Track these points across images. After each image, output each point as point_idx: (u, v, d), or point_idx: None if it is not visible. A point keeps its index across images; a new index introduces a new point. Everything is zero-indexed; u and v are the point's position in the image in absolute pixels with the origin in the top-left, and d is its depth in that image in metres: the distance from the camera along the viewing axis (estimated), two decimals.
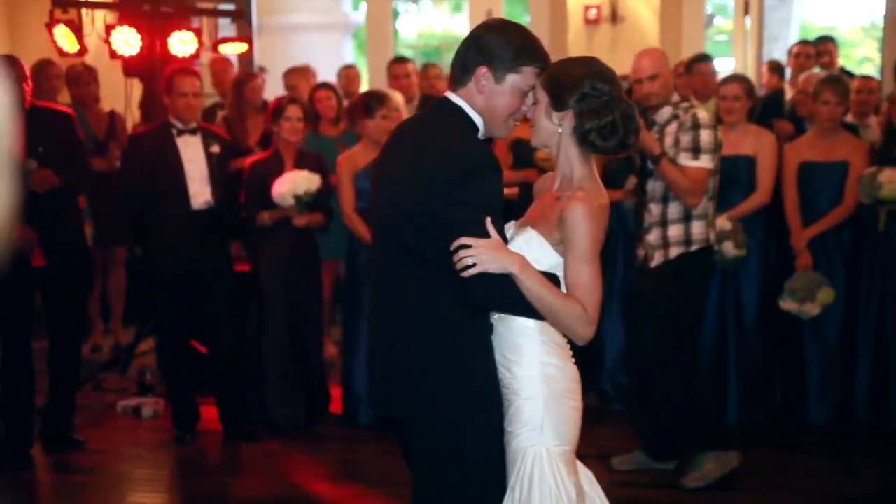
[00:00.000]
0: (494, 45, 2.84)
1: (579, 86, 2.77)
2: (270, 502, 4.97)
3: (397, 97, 6.58)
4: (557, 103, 2.80)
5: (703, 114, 4.95)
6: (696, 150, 4.85)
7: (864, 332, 5.73)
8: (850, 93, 5.92)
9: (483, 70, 2.84)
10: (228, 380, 5.90)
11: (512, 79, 2.84)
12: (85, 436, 5.83)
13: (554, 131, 2.82)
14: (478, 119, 2.88)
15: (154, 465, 5.63)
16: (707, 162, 4.86)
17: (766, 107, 7.34)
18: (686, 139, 4.86)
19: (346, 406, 6.06)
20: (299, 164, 5.91)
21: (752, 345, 5.88)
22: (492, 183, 2.74)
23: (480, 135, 2.89)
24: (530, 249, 2.77)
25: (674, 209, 4.92)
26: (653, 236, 4.96)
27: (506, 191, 6.45)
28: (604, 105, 2.76)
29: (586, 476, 2.89)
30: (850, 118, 6.31)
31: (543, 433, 2.76)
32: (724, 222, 5.67)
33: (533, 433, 2.76)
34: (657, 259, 4.95)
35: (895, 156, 5.63)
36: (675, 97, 5.06)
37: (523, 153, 6.34)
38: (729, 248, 5.64)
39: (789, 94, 7.77)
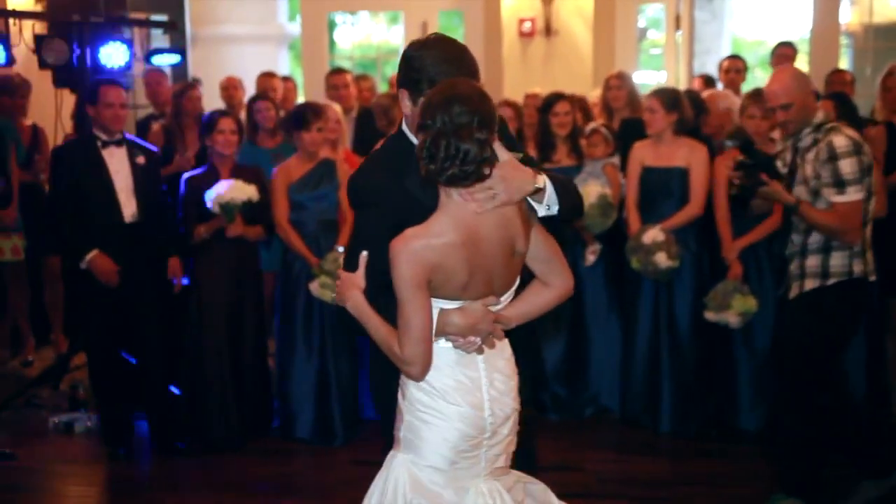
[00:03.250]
0: (410, 66, 2.92)
1: (422, 120, 2.74)
2: None
3: (335, 108, 6.59)
4: (419, 130, 2.77)
5: (842, 139, 4.54)
6: (839, 184, 4.52)
7: None
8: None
9: (402, 92, 2.93)
10: (157, 395, 5.83)
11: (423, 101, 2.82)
12: (16, 452, 5.72)
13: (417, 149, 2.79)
14: (415, 140, 2.87)
15: (87, 481, 5.55)
16: (855, 193, 4.51)
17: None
18: (826, 173, 4.54)
19: (283, 419, 6.02)
20: (236, 178, 5.87)
21: (685, 355, 5.96)
22: (367, 217, 2.89)
23: None
24: None
25: (815, 239, 4.67)
26: (793, 266, 4.77)
27: None
28: (432, 141, 2.70)
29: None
30: (775, 134, 6.42)
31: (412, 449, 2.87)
32: (656, 234, 5.75)
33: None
34: (794, 291, 4.75)
35: None
36: (819, 116, 4.70)
37: None
38: (662, 260, 5.72)
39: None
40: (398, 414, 2.92)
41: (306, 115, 5.92)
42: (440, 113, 2.69)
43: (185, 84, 7.67)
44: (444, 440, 2.83)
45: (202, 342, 5.86)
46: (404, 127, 3.03)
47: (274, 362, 6.19)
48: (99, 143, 5.71)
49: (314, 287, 5.76)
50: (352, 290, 2.85)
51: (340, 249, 5.84)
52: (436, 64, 2.90)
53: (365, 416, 6.09)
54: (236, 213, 5.74)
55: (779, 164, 4.84)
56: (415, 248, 2.70)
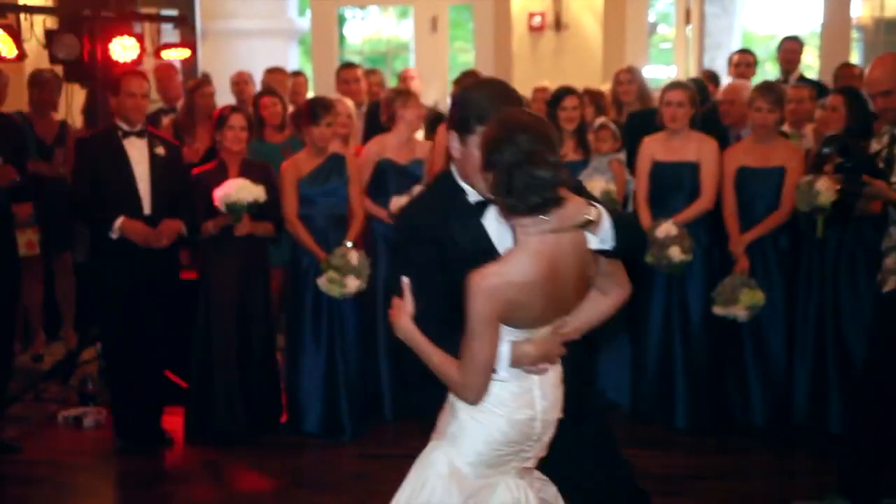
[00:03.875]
0: (459, 108, 2.93)
1: (489, 156, 2.69)
2: None
3: (347, 103, 6.59)
4: (487, 166, 2.73)
5: None
6: None
7: (803, 336, 5.82)
8: (784, 101, 6.02)
9: (451, 134, 2.94)
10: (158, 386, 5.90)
11: (472, 140, 2.86)
12: (26, 446, 5.75)
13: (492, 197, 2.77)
14: (463, 183, 2.94)
15: (96, 475, 5.57)
16: None
17: (708, 114, 7.41)
18: None
19: (291, 413, 6.04)
20: (244, 174, 5.87)
21: (697, 349, 5.96)
22: (414, 252, 2.94)
23: (473, 197, 2.95)
24: None
25: None
26: (889, 259, 4.70)
27: None
28: (506, 174, 2.65)
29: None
30: (786, 127, 6.41)
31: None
32: (670, 228, 5.74)
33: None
34: (890, 285, 4.66)
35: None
36: None
37: None
38: (675, 254, 5.71)
39: None
40: (449, 410, 2.92)
41: (315, 110, 5.92)
42: (506, 145, 2.66)
43: (198, 80, 7.69)
44: (489, 441, 2.85)
45: (211, 336, 5.86)
46: (452, 168, 3.04)
47: (283, 357, 6.20)
48: (120, 134, 5.74)
49: (322, 282, 5.77)
50: (401, 317, 2.87)
51: (349, 244, 5.85)
52: (482, 101, 2.90)
53: (374, 413, 6.12)
54: (243, 213, 5.74)
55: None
56: (494, 285, 2.69)
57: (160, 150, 5.81)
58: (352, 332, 5.96)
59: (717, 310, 5.70)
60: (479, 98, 2.91)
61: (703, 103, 6.54)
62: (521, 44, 11.12)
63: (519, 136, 2.66)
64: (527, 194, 2.64)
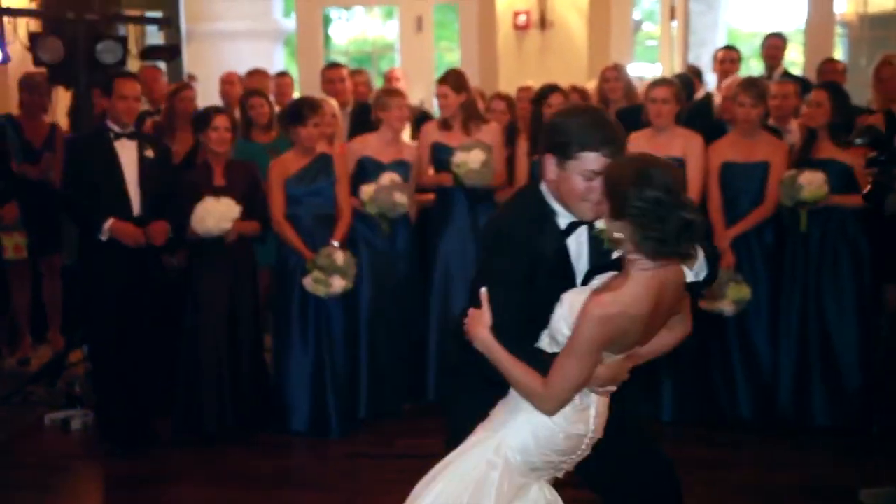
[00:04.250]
0: (559, 131, 2.97)
1: (627, 197, 2.70)
2: None
3: (332, 104, 6.59)
4: (614, 213, 2.76)
5: None
6: None
7: (787, 329, 5.85)
8: (768, 96, 6.05)
9: (549, 157, 2.98)
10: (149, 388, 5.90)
11: (573, 164, 2.93)
12: (13, 449, 5.73)
13: (617, 232, 2.78)
14: (554, 204, 3.03)
15: (84, 477, 5.56)
16: None
17: (694, 111, 7.44)
18: None
19: (279, 412, 6.04)
20: (228, 174, 5.92)
21: (684, 343, 5.95)
22: (502, 263, 2.98)
23: (567, 217, 3.02)
24: (568, 317, 2.85)
25: None
26: None
27: (421, 196, 6.54)
28: (654, 217, 2.68)
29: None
30: (771, 122, 6.43)
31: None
32: None
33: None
34: None
35: (814, 158, 5.76)
36: None
37: (442, 157, 6.38)
38: None
39: (718, 98, 7.90)
40: (507, 407, 2.97)
41: (302, 111, 5.94)
42: (645, 188, 2.67)
43: (178, 84, 7.67)
44: (540, 445, 2.91)
45: (199, 337, 5.85)
46: (543, 187, 3.08)
47: (270, 357, 6.20)
48: (111, 136, 5.74)
49: (307, 282, 5.77)
50: (479, 328, 2.90)
51: (336, 244, 5.86)
52: (584, 127, 2.94)
53: (361, 415, 6.13)
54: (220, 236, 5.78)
55: None
56: (610, 315, 2.73)
57: (149, 153, 5.82)
58: (338, 331, 5.96)
59: (704, 305, 5.72)
60: (581, 124, 2.95)
61: (689, 99, 6.56)
62: (507, 42, 11.14)
63: (655, 178, 2.69)
64: (680, 241, 2.69)
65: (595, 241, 3.07)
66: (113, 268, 5.65)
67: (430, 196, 6.58)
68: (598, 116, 3.00)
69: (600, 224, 2.97)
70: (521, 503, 2.92)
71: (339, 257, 5.79)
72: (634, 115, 6.34)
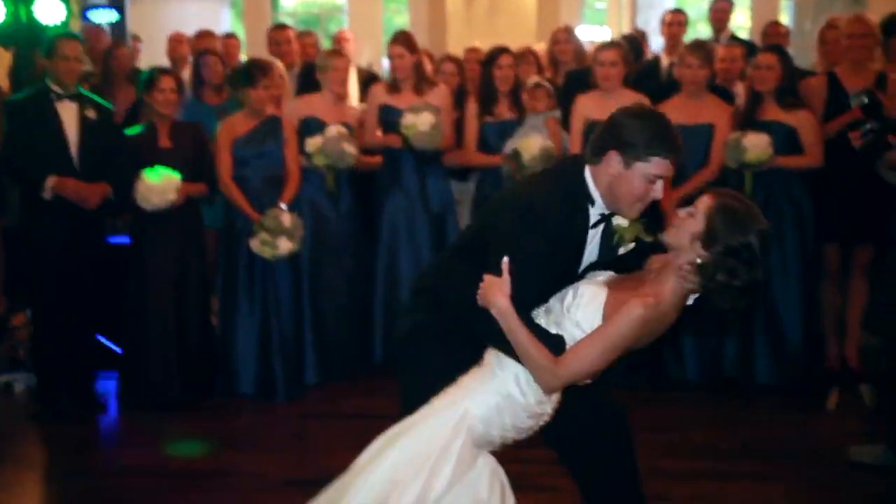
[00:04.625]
0: (628, 131, 2.97)
1: (719, 236, 2.78)
2: (148, 473, 4.89)
3: (277, 65, 6.53)
4: (706, 243, 2.80)
5: None
6: None
7: None
8: (714, 58, 6.09)
9: (614, 154, 2.98)
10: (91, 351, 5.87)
11: (640, 166, 2.95)
12: None
13: (690, 255, 2.82)
14: (596, 195, 3.04)
15: (28, 442, 5.49)
16: None
17: (643, 73, 7.46)
18: None
19: (226, 376, 6.01)
20: (174, 136, 5.86)
21: None
22: (531, 241, 2.96)
23: (599, 209, 3.05)
24: (584, 307, 2.90)
25: None
26: None
27: (370, 158, 6.50)
28: (731, 267, 2.77)
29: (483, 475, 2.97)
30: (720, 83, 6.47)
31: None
32: None
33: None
34: None
35: (759, 120, 5.81)
36: None
37: (390, 119, 6.35)
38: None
39: (665, 62, 7.93)
40: (482, 376, 3.00)
41: (253, 73, 5.90)
42: (739, 235, 2.76)
43: (113, 41, 7.55)
44: (503, 424, 2.96)
45: (146, 301, 5.80)
46: (588, 173, 3.06)
47: (217, 320, 6.17)
48: (52, 97, 5.65)
49: (254, 244, 5.75)
50: (499, 296, 2.87)
51: (283, 206, 5.82)
52: (655, 132, 2.97)
53: (308, 379, 6.13)
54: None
55: None
56: (651, 318, 2.81)
57: (91, 113, 5.73)
58: (285, 293, 5.95)
59: None
60: (652, 128, 2.98)
61: (638, 61, 6.58)
62: (456, 5, 11.10)
63: (755, 230, 2.77)
64: (736, 298, 2.79)
65: (607, 235, 3.13)
66: (55, 230, 5.58)
67: (377, 159, 6.54)
68: (665, 122, 3.04)
69: (619, 221, 3.07)
70: (472, 472, 2.95)
71: (287, 219, 5.76)
72: (584, 78, 6.36)
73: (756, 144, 5.65)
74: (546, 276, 2.99)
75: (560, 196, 3.04)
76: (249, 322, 5.93)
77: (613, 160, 2.98)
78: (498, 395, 2.94)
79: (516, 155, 5.99)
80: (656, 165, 2.95)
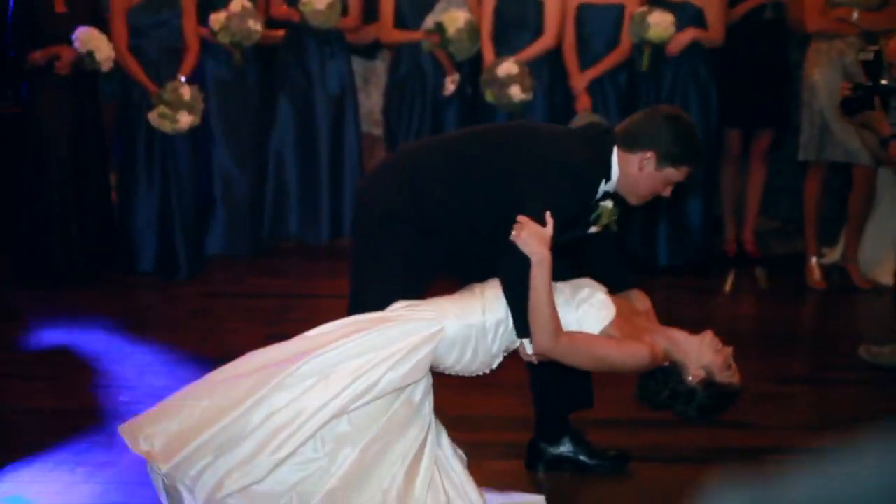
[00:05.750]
0: (671, 139, 3.07)
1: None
2: (47, 351, 4.80)
3: None
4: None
5: None
6: None
7: None
8: None
9: (651, 155, 3.06)
10: None
11: (670, 171, 3.09)
12: None
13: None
14: (615, 175, 3.11)
15: None
16: None
17: None
18: None
19: (126, 252, 5.90)
20: (69, 1, 5.62)
21: None
22: (565, 198, 3.04)
23: (610, 187, 3.13)
24: (593, 310, 3.01)
25: None
26: None
27: (274, 32, 6.28)
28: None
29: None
30: None
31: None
32: (510, 66, 5.72)
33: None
34: None
35: (668, 1, 5.77)
36: None
37: None
38: (516, 93, 5.71)
39: None
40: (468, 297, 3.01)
41: None
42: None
43: None
44: (462, 353, 2.95)
45: (43, 175, 5.62)
46: (615, 156, 3.10)
47: (115, 196, 6.01)
48: None
49: (153, 117, 5.60)
50: (542, 245, 2.89)
51: (182, 79, 5.66)
52: (692, 144, 3.12)
53: (209, 252, 6.06)
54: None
55: None
56: (657, 359, 3.02)
57: None
58: (185, 168, 5.82)
59: None
60: (691, 139, 3.11)
61: None
62: None
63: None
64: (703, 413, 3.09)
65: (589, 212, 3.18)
66: None
67: (281, 32, 6.35)
68: (696, 132, 3.19)
69: (607, 203, 3.15)
70: (420, 384, 2.92)
71: (186, 92, 5.60)
72: None
73: (658, 23, 5.64)
74: (557, 237, 3.01)
75: (593, 162, 3.11)
76: (148, 198, 5.82)
77: (648, 160, 3.07)
78: (469, 329, 2.94)
79: (440, 28, 5.87)
80: (682, 173, 3.11)
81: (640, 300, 3.31)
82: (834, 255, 6.08)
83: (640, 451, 3.62)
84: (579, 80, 5.84)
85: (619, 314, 3.03)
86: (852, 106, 4.75)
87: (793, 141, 6.05)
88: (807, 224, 5.85)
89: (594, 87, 5.88)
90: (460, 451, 3.05)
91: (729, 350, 3.05)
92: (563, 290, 3.03)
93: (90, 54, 5.52)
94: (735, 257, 6.26)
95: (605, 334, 2.98)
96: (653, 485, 3.48)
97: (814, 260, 5.84)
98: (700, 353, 3.02)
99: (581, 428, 3.54)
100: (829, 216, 6.13)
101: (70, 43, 5.52)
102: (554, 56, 5.97)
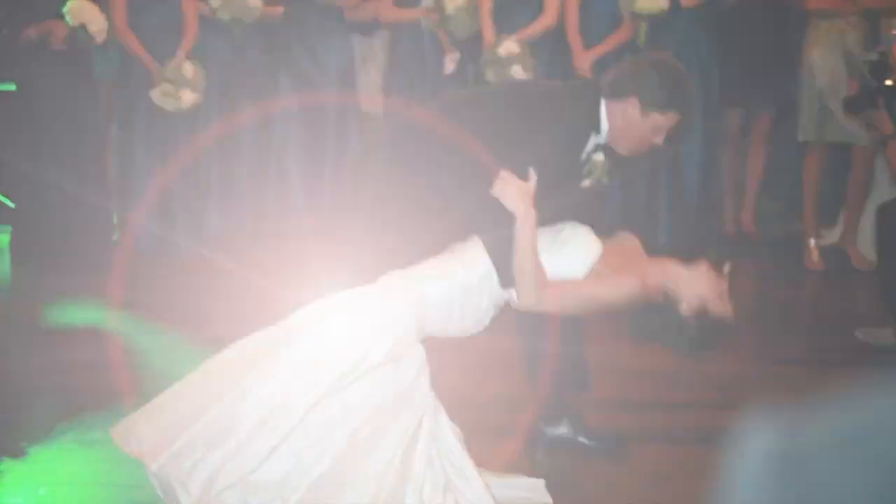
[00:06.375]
0: (654, 83, 3.06)
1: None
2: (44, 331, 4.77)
3: None
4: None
5: None
6: None
7: None
8: None
9: (633, 100, 3.05)
10: None
11: (656, 117, 3.06)
12: None
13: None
14: (604, 126, 3.09)
15: None
16: None
17: None
18: None
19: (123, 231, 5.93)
20: None
21: None
22: (554, 152, 3.04)
23: (601, 139, 3.10)
24: (578, 248, 3.00)
25: None
26: None
27: (274, 8, 6.24)
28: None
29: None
30: None
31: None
32: (512, 45, 5.70)
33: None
34: None
35: None
36: None
37: None
38: (518, 72, 5.70)
39: None
40: (458, 269, 2.97)
41: None
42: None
43: None
44: (450, 316, 2.93)
45: (37, 153, 5.59)
46: (604, 109, 3.10)
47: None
48: None
49: (156, 94, 5.61)
50: (525, 201, 2.88)
51: (183, 56, 5.66)
52: (679, 87, 3.10)
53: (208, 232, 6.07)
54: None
55: None
56: (640, 296, 2.98)
57: None
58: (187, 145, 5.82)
59: None
60: (676, 83, 3.10)
61: None
62: None
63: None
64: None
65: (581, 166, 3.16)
66: None
67: (280, 9, 6.32)
68: (686, 77, 3.18)
69: (598, 156, 3.13)
70: (407, 357, 2.90)
71: (188, 69, 5.59)
72: None
73: None
74: (548, 191, 3.01)
75: (582, 116, 3.11)
76: (147, 175, 5.82)
77: (632, 106, 3.06)
78: (456, 288, 2.93)
79: (439, 6, 5.84)
80: (670, 119, 3.07)
81: (629, 239, 3.27)
82: (833, 236, 6.09)
83: (639, 432, 3.64)
84: (583, 59, 5.82)
85: (607, 249, 3.02)
86: (856, 104, 4.77)
87: (793, 122, 6.05)
88: (805, 205, 5.86)
89: (597, 67, 5.86)
90: (459, 432, 3.02)
91: (724, 281, 3.04)
92: (542, 235, 2.99)
93: (83, 27, 5.50)
94: (733, 238, 6.26)
95: (595, 271, 2.97)
96: (652, 466, 3.48)
97: (812, 241, 5.84)
98: (694, 283, 3.00)
99: (580, 409, 3.55)
100: (828, 197, 6.14)
101: (63, 18, 5.50)
102: (555, 35, 5.94)
